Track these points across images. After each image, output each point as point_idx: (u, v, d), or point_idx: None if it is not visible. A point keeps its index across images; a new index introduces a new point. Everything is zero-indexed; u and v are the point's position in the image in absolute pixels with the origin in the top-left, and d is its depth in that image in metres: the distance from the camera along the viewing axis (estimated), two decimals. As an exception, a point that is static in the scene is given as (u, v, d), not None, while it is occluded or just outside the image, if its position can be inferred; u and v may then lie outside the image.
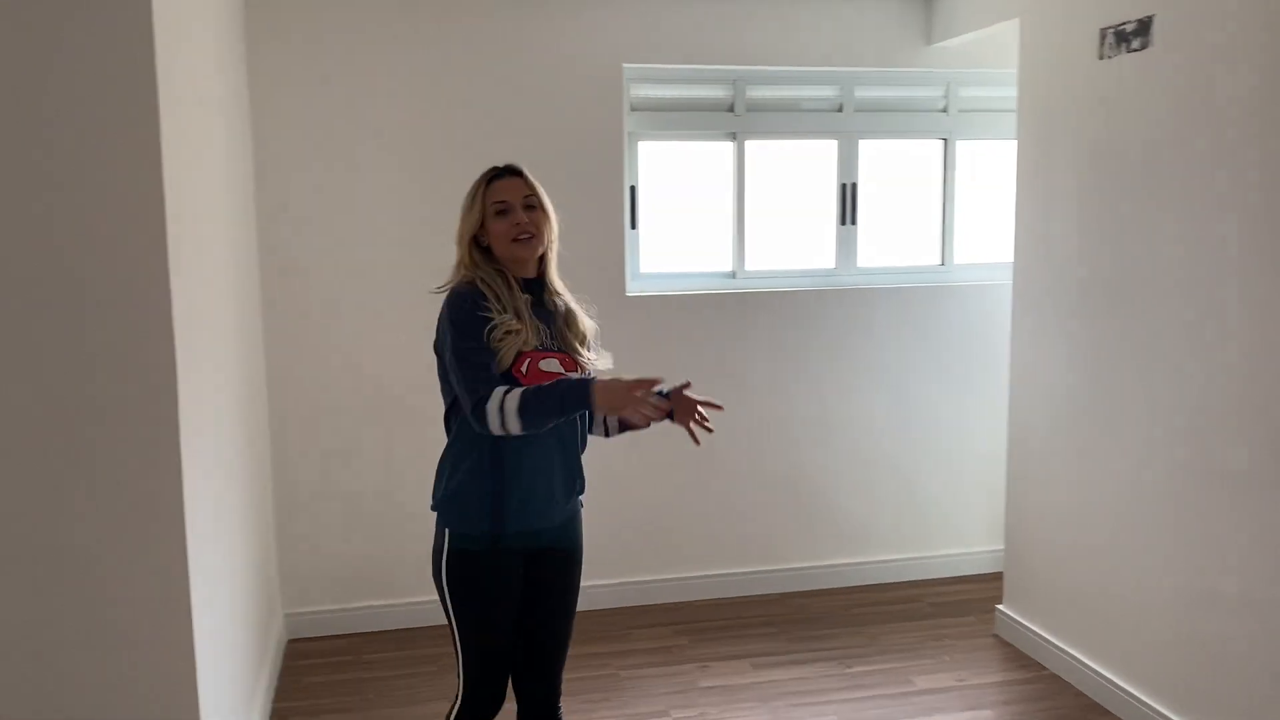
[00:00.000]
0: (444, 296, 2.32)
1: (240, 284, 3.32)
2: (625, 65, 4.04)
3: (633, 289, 4.19)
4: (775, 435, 4.33)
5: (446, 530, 2.32)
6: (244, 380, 3.29)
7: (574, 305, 2.42)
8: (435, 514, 2.37)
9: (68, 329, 2.12)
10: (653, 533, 4.26)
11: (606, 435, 2.51)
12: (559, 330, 2.36)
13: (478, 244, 2.34)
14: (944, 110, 4.41)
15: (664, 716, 3.37)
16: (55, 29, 2.06)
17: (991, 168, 4.50)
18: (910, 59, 4.26)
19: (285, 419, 3.92)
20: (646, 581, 4.28)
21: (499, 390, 2.16)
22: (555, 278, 2.42)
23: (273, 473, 3.92)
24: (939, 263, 4.53)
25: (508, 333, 2.22)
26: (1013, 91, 3.92)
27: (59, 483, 2.15)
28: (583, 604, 4.09)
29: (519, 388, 2.17)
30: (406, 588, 4.04)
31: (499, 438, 2.22)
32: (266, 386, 3.86)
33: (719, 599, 4.31)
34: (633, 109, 4.15)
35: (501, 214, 2.30)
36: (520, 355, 2.24)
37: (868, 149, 4.38)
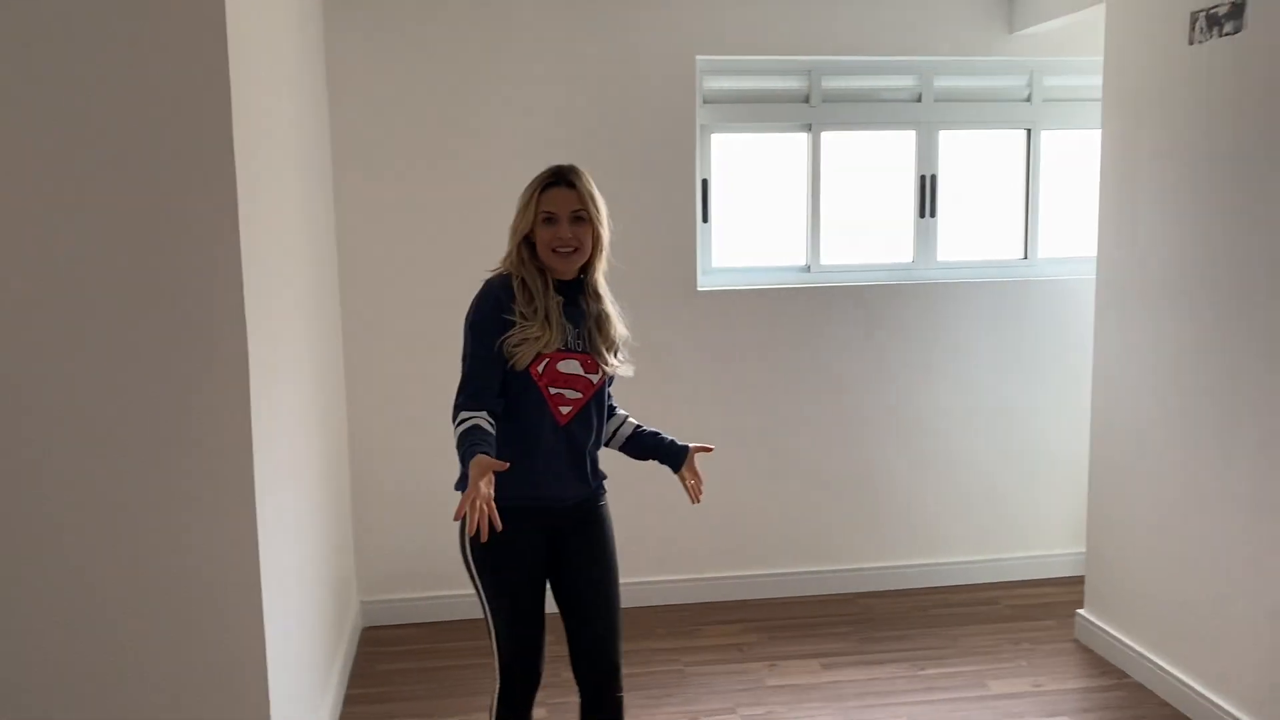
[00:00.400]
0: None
1: (318, 283, 3.39)
2: (698, 58, 4.01)
3: (704, 284, 4.16)
4: (849, 433, 4.26)
5: None
6: (320, 375, 3.35)
7: (611, 310, 2.47)
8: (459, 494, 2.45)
9: (145, 324, 2.18)
10: (724, 529, 4.23)
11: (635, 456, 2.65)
12: (588, 332, 2.42)
13: (527, 241, 2.40)
14: (1027, 100, 4.29)
15: (730, 714, 3.35)
16: (130, 28, 2.11)
17: (1077, 158, 4.36)
18: (991, 47, 4.15)
19: (363, 414, 3.99)
20: (716, 578, 4.25)
21: (464, 413, 2.30)
22: (600, 282, 2.47)
23: (350, 466, 3.99)
24: (1022, 256, 4.40)
25: (524, 339, 2.31)
26: (1098, 80, 3.79)
27: (136, 471, 2.21)
28: (652, 599, 4.15)
29: (469, 421, 2.28)
30: (478, 579, 4.08)
31: (508, 420, 2.35)
32: (345, 383, 3.93)
33: (790, 598, 4.26)
34: (705, 101, 4.11)
35: (548, 222, 2.37)
36: (539, 355, 2.33)
37: (948, 140, 4.28)
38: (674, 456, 2.60)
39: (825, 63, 4.13)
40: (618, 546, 2.53)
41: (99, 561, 2.23)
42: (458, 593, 4.11)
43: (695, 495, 2.58)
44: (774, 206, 4.31)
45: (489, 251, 3.93)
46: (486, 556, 2.39)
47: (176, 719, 2.29)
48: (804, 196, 4.25)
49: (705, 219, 4.18)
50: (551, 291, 2.38)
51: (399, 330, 3.96)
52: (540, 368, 2.34)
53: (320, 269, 3.48)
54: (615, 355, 2.46)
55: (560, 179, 2.39)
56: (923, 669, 3.63)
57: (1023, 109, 4.30)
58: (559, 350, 2.35)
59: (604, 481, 2.54)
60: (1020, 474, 4.39)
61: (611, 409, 2.60)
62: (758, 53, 4.05)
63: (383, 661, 3.77)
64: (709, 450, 2.62)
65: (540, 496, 2.40)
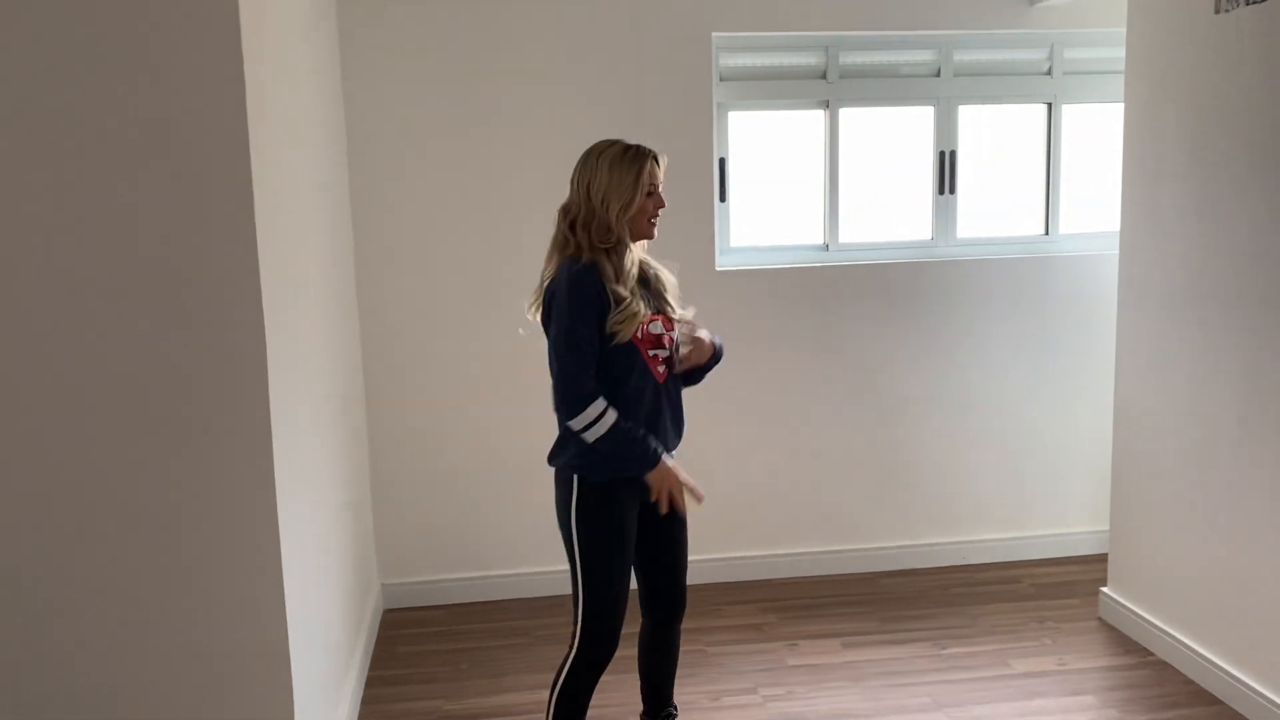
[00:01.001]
0: (561, 268, 2.51)
1: (334, 265, 3.38)
2: (714, 34, 3.97)
3: (722, 263, 4.14)
4: (868, 411, 4.23)
5: (576, 478, 2.53)
6: (338, 359, 3.35)
7: (658, 265, 2.67)
8: (557, 469, 2.60)
9: (165, 311, 2.18)
10: (743, 509, 4.21)
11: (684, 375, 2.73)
12: (655, 293, 2.61)
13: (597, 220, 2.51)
14: (1048, 73, 4.23)
15: (751, 694, 3.34)
16: (142, 24, 2.10)
17: (1100, 132, 4.30)
18: (1012, 20, 4.09)
19: (382, 397, 3.98)
20: (736, 558, 4.24)
21: (602, 401, 2.45)
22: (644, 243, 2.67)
23: (370, 449, 3.99)
24: (1043, 233, 4.36)
25: (628, 315, 2.45)
26: (1121, 52, 3.73)
27: (157, 460, 2.22)
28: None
29: (615, 412, 2.45)
30: (499, 560, 4.09)
31: (613, 391, 2.48)
32: (362, 365, 3.93)
33: (809, 577, 4.25)
34: (722, 79, 4.08)
35: (651, 194, 2.54)
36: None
37: (967, 115, 4.23)
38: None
39: (843, 38, 4.08)
40: None
41: (123, 550, 2.23)
42: (478, 574, 4.13)
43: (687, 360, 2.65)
44: (792, 185, 4.27)
45: (506, 226, 3.97)
46: (594, 526, 2.54)
47: (199, 701, 2.29)
48: (822, 174, 4.21)
49: (723, 198, 4.14)
50: (636, 265, 2.57)
51: (416, 310, 3.96)
52: (639, 334, 2.51)
53: (336, 250, 3.47)
54: (676, 305, 2.65)
55: (653, 155, 2.56)
56: (945, 648, 3.62)
57: (1043, 82, 4.24)
58: (650, 314, 2.56)
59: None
60: (1042, 451, 4.35)
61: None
62: (774, 29, 4.00)
63: (404, 644, 3.78)
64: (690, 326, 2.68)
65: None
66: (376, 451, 4.02)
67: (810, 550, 4.29)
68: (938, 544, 4.34)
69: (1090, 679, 3.39)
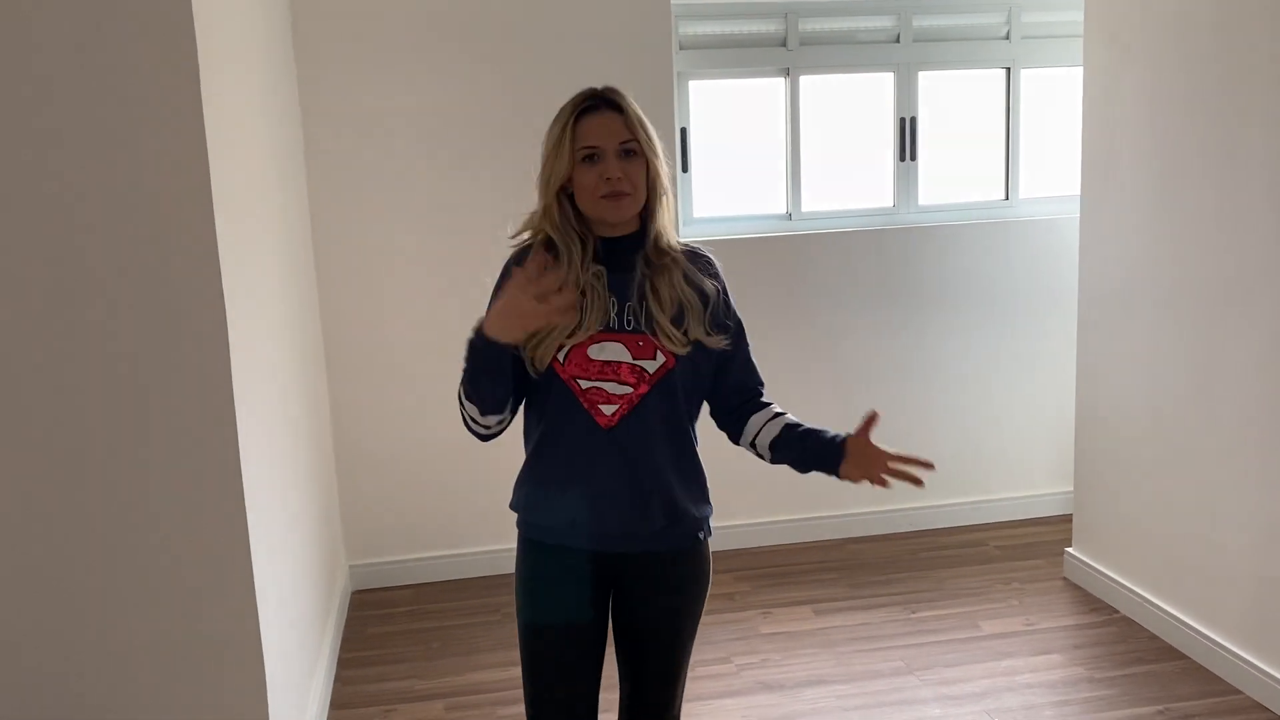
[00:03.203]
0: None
1: (293, 244, 3.31)
2: (673, 1, 3.92)
3: (685, 234, 4.11)
4: (832, 379, 4.24)
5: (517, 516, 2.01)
6: (300, 340, 3.29)
7: (679, 269, 1.91)
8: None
9: (123, 294, 2.12)
10: (712, 480, 4.20)
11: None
12: (643, 305, 1.87)
13: (564, 193, 1.87)
14: (1005, 37, 4.23)
15: (726, 663, 3.36)
16: (98, 28, 2.03)
17: (1059, 98, 4.31)
18: (970, -16, 4.09)
19: (344, 376, 3.92)
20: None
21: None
22: (668, 234, 1.92)
23: (333, 429, 3.94)
24: (1003, 198, 4.38)
25: (536, 336, 1.82)
26: (1079, 15, 3.74)
27: (117, 442, 2.16)
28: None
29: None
30: (466, 538, 4.06)
31: (538, 427, 1.93)
32: (324, 343, 3.87)
33: (778, 545, 4.27)
34: (681, 48, 4.04)
35: (589, 160, 1.83)
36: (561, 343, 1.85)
37: (927, 81, 4.23)
38: (830, 454, 1.96)
39: (802, 4, 4.06)
40: None
41: (89, 539, 2.18)
42: (443, 553, 4.10)
43: (908, 477, 1.95)
44: (754, 155, 4.25)
45: (467, 199, 3.91)
46: (519, 586, 2.01)
47: (170, 687, 2.25)
48: (783, 143, 4.19)
49: (685, 169, 4.11)
50: (590, 258, 1.86)
51: (376, 289, 3.89)
52: (562, 356, 1.84)
53: (295, 230, 3.40)
54: (690, 326, 1.89)
55: (601, 101, 1.85)
56: (914, 612, 3.65)
57: (1002, 47, 4.24)
58: (601, 331, 1.85)
59: (705, 520, 2.03)
60: (1006, 415, 4.39)
61: (752, 403, 2.06)
62: (734, -5, 3.97)
63: (373, 624, 3.75)
64: (874, 420, 1.98)
65: (588, 530, 1.92)
66: (341, 432, 3.97)
67: (778, 519, 4.30)
68: (905, 509, 4.37)
69: (1058, 638, 3.44)
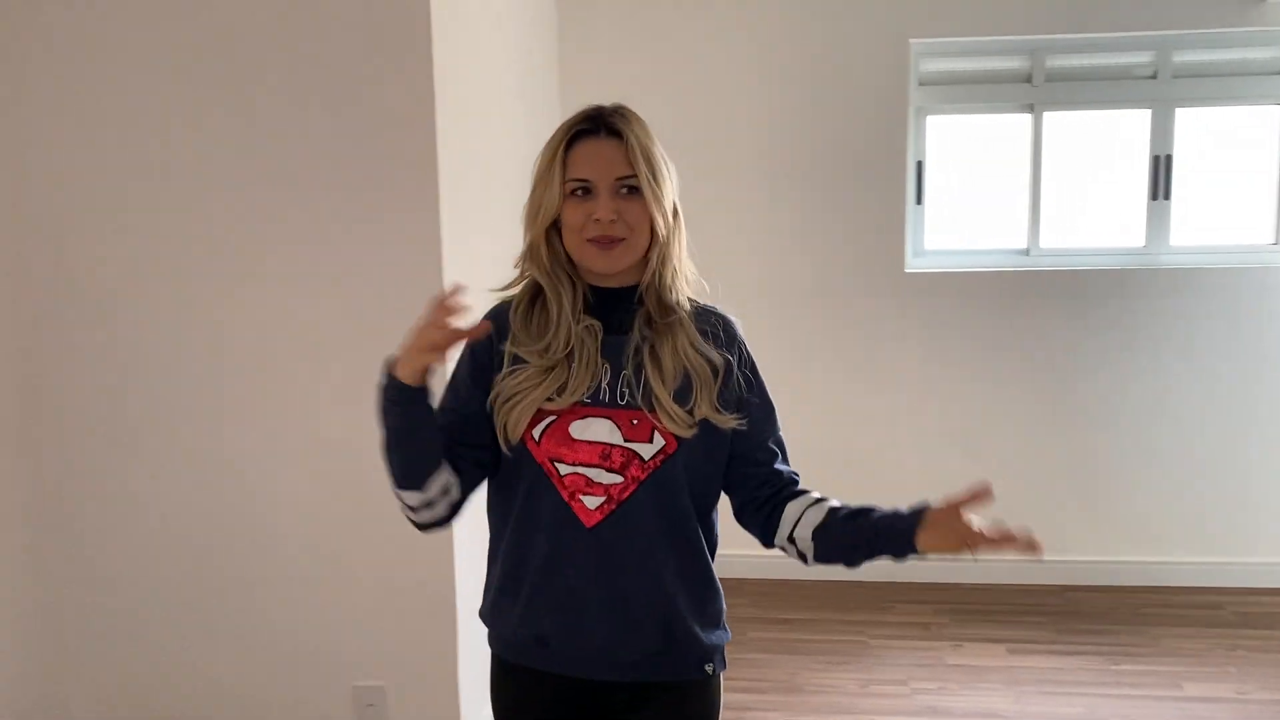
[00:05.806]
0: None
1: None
2: (912, 40, 4.03)
3: (914, 265, 4.18)
4: (1068, 423, 4.13)
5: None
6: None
7: (685, 331, 1.53)
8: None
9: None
10: (927, 510, 4.21)
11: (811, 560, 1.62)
12: (640, 374, 1.51)
13: (554, 230, 1.54)
14: (1277, 73, 3.97)
15: (902, 685, 3.41)
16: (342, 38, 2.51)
17: (1342, 135, 3.99)
18: (1238, 18, 3.88)
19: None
20: (916, 560, 4.24)
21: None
22: (677, 292, 1.56)
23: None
24: (1271, 241, 4.09)
25: (518, 391, 1.49)
26: (1355, 48, 3.48)
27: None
28: (846, 574, 4.21)
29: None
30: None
31: (504, 519, 1.58)
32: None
33: (991, 584, 4.20)
34: (921, 83, 4.13)
35: (579, 195, 1.51)
36: (540, 414, 1.50)
37: (1184, 117, 4.05)
38: (903, 524, 1.55)
39: (1050, 41, 4.03)
40: None
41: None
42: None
43: (1018, 545, 1.49)
44: (993, 189, 4.25)
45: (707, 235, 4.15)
46: (491, 708, 1.65)
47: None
48: (1025, 178, 4.16)
49: (919, 200, 4.19)
50: (580, 313, 1.53)
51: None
52: (536, 432, 1.50)
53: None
54: (694, 403, 1.50)
55: (599, 125, 1.52)
56: (1116, 664, 3.52)
57: (1276, 83, 3.98)
58: (581, 404, 1.50)
59: (717, 649, 1.59)
60: (1259, 474, 4.08)
61: (786, 491, 1.60)
62: (977, 34, 4.01)
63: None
64: (983, 495, 1.53)
65: (561, 651, 1.54)
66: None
67: (992, 558, 4.22)
68: (1135, 561, 4.17)
69: (1267, 713, 3.21)
